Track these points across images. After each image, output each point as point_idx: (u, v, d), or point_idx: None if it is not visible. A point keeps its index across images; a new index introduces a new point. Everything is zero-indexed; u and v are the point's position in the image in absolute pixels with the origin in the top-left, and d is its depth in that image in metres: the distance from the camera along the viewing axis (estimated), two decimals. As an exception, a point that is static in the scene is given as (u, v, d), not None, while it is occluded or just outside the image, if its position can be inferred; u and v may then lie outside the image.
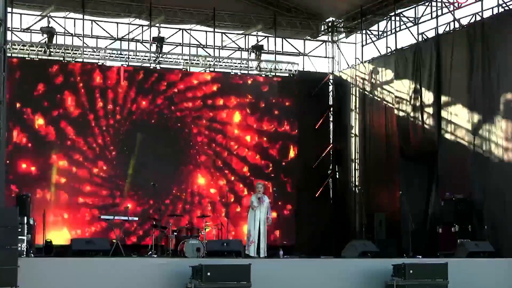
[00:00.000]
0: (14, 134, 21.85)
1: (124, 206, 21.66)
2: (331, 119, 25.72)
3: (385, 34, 24.18)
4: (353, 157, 24.81)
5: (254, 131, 24.39)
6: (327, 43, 26.26)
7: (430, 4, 22.40)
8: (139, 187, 22.82)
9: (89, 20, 23.51)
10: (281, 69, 25.18)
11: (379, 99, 23.66)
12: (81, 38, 23.31)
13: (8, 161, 18.54)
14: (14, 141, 21.78)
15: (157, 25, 23.83)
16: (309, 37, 26.09)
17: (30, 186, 21.62)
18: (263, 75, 24.84)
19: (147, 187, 22.20)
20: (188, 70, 24.17)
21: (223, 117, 24.14)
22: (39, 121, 22.32)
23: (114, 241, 17.47)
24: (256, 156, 24.29)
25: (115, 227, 18.91)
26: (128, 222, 20.65)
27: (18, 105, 22.07)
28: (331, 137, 25.64)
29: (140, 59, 23.76)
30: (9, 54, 19.61)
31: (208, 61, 24.38)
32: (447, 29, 21.66)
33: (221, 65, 24.70)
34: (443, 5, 21.89)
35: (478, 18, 20.49)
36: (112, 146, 22.87)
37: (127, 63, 23.41)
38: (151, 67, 23.70)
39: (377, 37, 24.59)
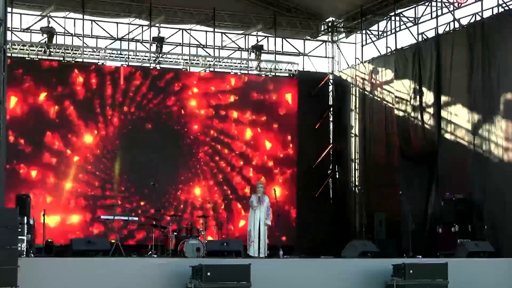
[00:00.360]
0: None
1: (118, 204, 21.59)
2: (331, 119, 25.72)
3: (385, 34, 24.18)
4: (353, 157, 24.81)
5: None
6: (327, 43, 26.26)
7: (430, 4, 22.40)
8: (132, 184, 22.69)
9: (89, 20, 23.51)
10: (281, 69, 25.18)
11: (379, 99, 23.65)
12: (81, 38, 23.31)
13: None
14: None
15: (157, 25, 23.83)
16: (309, 37, 26.09)
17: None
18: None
19: (140, 185, 22.19)
20: (188, 69, 24.17)
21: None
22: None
23: (113, 241, 17.44)
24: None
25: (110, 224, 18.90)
26: (128, 222, 20.65)
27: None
28: (331, 137, 25.63)
29: (140, 59, 23.76)
30: (9, 54, 19.58)
31: (208, 61, 24.38)
32: (447, 29, 21.66)
33: (221, 65, 24.70)
34: (443, 5, 21.89)
35: (478, 18, 20.49)
36: (113, 137, 22.73)
37: (127, 63, 23.41)
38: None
39: (377, 37, 24.59)
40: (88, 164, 22.49)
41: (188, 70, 24.17)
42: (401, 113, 22.48)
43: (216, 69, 24.58)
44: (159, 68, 23.61)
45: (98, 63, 22.97)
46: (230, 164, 23.95)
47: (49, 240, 19.78)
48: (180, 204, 22.99)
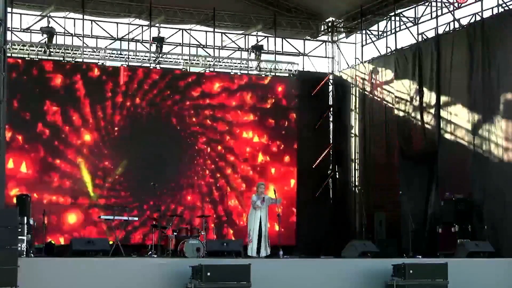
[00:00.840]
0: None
1: (114, 201, 21.60)
2: (331, 119, 25.73)
3: (385, 34, 24.18)
4: (353, 157, 24.82)
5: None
6: (327, 43, 26.26)
7: (430, 4, 22.40)
8: (124, 181, 22.59)
9: (89, 20, 23.50)
10: (281, 69, 25.18)
11: (379, 99, 23.66)
12: (81, 38, 23.30)
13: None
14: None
15: (157, 25, 23.82)
16: (309, 37, 26.09)
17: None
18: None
19: (139, 185, 22.15)
20: (188, 69, 24.15)
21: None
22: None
23: (111, 243, 17.41)
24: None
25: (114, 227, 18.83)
26: (128, 222, 20.62)
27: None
28: (331, 137, 25.63)
29: (140, 59, 23.75)
30: (9, 54, 19.56)
31: (208, 61, 24.37)
32: (447, 29, 21.66)
33: (221, 65, 24.69)
34: (443, 5, 21.89)
35: (478, 18, 20.49)
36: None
37: (127, 63, 23.41)
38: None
39: (377, 37, 24.59)
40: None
41: (189, 70, 24.16)
42: (401, 113, 22.48)
43: (216, 69, 24.57)
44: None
45: (98, 63, 22.98)
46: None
47: (50, 240, 19.80)
48: (168, 212, 21.80)
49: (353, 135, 24.91)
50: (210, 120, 23.84)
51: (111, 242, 17.22)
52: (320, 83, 25.43)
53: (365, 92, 24.31)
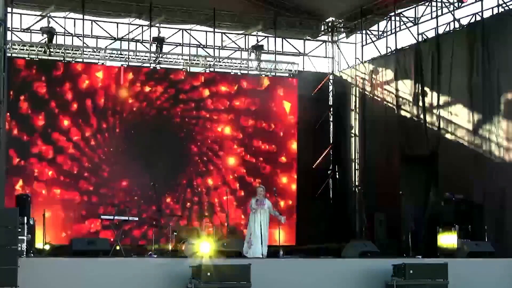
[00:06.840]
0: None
1: (122, 204, 21.60)
2: (331, 119, 25.73)
3: (385, 34, 24.20)
4: (353, 157, 24.83)
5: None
6: (327, 43, 26.27)
7: (430, 4, 22.41)
8: (124, 181, 22.59)
9: (89, 20, 23.52)
10: (281, 69, 25.18)
11: (379, 99, 23.67)
12: (81, 38, 23.31)
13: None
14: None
15: (157, 25, 23.82)
16: (309, 37, 26.10)
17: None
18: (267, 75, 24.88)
19: (132, 183, 22.21)
20: (189, 69, 24.14)
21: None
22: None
23: (112, 240, 17.41)
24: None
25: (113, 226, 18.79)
26: (128, 222, 20.61)
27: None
28: (331, 137, 25.64)
29: (140, 59, 23.75)
30: (9, 54, 19.56)
31: (208, 61, 24.37)
32: (447, 29, 21.67)
33: (221, 65, 24.69)
34: (443, 5, 21.90)
35: (478, 18, 20.50)
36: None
37: (127, 63, 23.41)
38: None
39: (377, 37, 24.60)
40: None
41: (189, 70, 24.16)
42: (401, 113, 22.50)
43: (216, 69, 24.57)
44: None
45: (98, 63, 22.97)
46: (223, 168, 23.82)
47: (49, 241, 19.80)
48: (168, 211, 22.00)
49: (353, 135, 24.92)
50: (210, 120, 23.85)
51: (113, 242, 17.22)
52: (320, 83, 25.44)
53: (365, 92, 24.32)
